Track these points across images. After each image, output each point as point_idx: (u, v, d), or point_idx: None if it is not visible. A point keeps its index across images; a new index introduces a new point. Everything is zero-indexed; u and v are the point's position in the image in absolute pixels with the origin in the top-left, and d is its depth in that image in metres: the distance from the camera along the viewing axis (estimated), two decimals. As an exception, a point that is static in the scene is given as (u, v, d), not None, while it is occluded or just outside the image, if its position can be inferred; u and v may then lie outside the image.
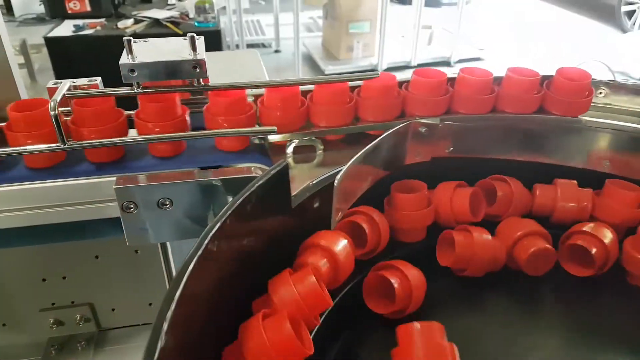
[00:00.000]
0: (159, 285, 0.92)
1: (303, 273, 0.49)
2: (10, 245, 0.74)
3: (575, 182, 0.68)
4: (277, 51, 4.64)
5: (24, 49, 3.57)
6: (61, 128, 0.58)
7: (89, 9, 3.13)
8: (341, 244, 0.55)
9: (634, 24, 5.12)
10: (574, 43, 4.90)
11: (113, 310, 0.95)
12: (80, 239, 0.76)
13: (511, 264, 0.64)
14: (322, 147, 0.68)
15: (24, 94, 0.74)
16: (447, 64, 4.32)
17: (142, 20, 2.98)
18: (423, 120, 0.66)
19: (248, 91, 0.68)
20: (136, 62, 0.58)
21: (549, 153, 0.69)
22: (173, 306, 0.36)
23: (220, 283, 0.46)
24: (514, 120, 0.70)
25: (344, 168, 0.53)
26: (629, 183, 0.66)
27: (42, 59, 3.56)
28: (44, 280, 0.89)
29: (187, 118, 0.67)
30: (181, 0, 3.23)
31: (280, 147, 0.68)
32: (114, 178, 0.61)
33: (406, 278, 0.57)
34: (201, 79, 0.62)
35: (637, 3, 5.13)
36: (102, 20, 3.06)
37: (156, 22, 2.98)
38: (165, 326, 0.35)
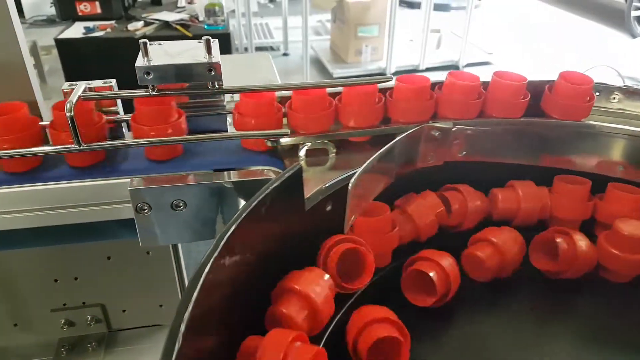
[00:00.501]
0: (170, 287, 0.92)
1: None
2: (24, 246, 0.75)
3: (532, 182, 0.69)
4: (285, 54, 4.65)
5: (34, 51, 3.59)
6: (77, 130, 0.59)
7: (99, 11, 3.15)
8: (319, 288, 0.49)
9: (643, 29, 5.10)
10: (583, 48, 4.88)
11: (124, 311, 0.96)
12: (94, 241, 0.76)
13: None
14: (334, 150, 0.68)
15: (39, 96, 0.74)
16: (455, 67, 4.32)
17: (152, 23, 3.00)
18: (436, 124, 0.66)
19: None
20: (152, 64, 0.59)
21: (562, 158, 0.69)
22: (190, 307, 0.36)
23: (234, 284, 0.46)
24: (528, 125, 0.70)
25: (358, 171, 0.53)
26: (578, 177, 0.67)
27: (51, 61, 3.58)
28: (55, 280, 0.90)
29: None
30: (191, 3, 3.24)
31: (293, 150, 0.68)
32: (129, 180, 0.61)
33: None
34: (216, 82, 0.62)
35: (647, 8, 5.12)
36: (113, 22, 3.07)
37: (166, 24, 2.99)
38: (182, 327, 0.35)
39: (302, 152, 0.67)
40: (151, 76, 0.59)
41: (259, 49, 4.64)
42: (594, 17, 5.81)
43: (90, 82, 0.67)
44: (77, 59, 2.88)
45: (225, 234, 0.42)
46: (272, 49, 4.76)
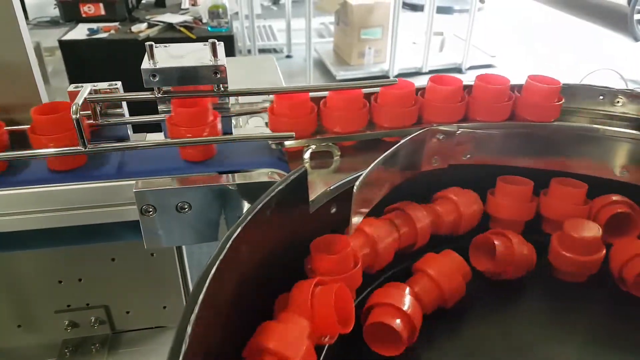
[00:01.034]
0: (174, 289, 0.92)
1: None
2: (28, 247, 0.75)
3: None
4: (288, 56, 4.66)
5: (37, 52, 3.60)
6: (82, 131, 0.59)
7: (103, 12, 3.15)
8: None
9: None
10: (586, 51, 4.88)
11: (128, 312, 0.96)
12: (98, 242, 0.76)
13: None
14: (339, 153, 0.68)
15: (44, 97, 0.74)
16: (458, 70, 4.32)
17: (156, 25, 3.00)
18: (441, 128, 0.66)
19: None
20: (158, 67, 0.59)
21: (565, 161, 0.69)
22: (197, 309, 0.36)
23: (239, 286, 0.46)
24: (530, 128, 0.70)
25: (363, 174, 0.53)
26: (521, 178, 0.69)
27: (55, 62, 3.59)
28: (59, 282, 0.90)
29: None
30: (194, 5, 3.25)
31: (297, 153, 0.68)
32: (134, 182, 0.61)
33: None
34: (222, 85, 0.62)
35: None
36: (116, 24, 3.07)
37: (170, 26, 3.00)
38: (189, 329, 0.35)
39: (306, 155, 0.68)
40: (157, 79, 0.60)
41: (262, 51, 4.65)
42: (597, 21, 5.81)
43: (95, 84, 0.67)
44: (81, 61, 2.89)
45: (232, 236, 0.42)
46: (275, 51, 4.77)
